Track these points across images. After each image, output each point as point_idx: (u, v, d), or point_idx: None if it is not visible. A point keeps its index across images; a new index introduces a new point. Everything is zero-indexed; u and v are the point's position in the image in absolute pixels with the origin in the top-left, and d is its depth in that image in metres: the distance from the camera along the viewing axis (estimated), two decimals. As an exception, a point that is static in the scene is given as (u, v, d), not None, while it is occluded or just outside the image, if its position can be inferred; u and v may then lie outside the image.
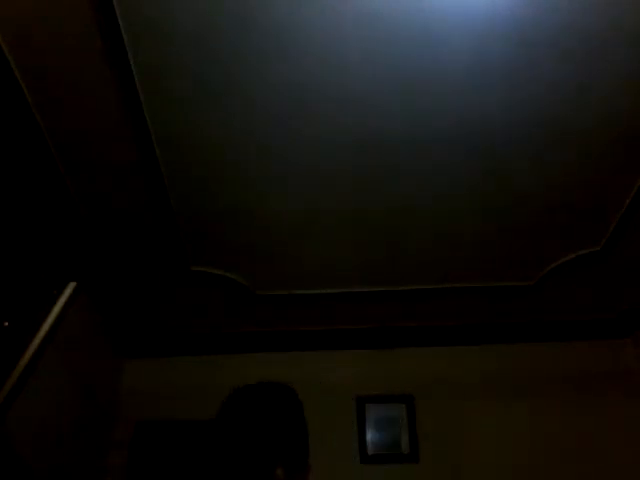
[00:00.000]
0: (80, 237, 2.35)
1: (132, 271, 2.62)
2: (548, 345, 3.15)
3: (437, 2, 1.56)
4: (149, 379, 3.13)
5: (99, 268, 2.57)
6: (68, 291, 2.51)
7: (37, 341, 2.28)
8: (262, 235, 2.41)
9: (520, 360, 3.13)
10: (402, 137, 1.96)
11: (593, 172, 2.14)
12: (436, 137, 1.97)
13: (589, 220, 2.40)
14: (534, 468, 2.79)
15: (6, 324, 2.17)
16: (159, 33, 1.60)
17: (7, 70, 1.64)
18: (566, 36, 1.64)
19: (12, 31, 1.57)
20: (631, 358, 3.12)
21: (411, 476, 2.86)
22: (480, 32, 1.63)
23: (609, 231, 2.44)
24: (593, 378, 3.05)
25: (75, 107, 1.81)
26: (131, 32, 1.58)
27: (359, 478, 2.87)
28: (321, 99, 1.82)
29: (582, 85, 1.79)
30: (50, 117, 1.83)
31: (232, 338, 3.14)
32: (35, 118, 1.81)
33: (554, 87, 1.80)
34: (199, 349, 3.18)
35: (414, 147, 2.00)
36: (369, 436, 2.98)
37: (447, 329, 3.14)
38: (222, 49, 1.65)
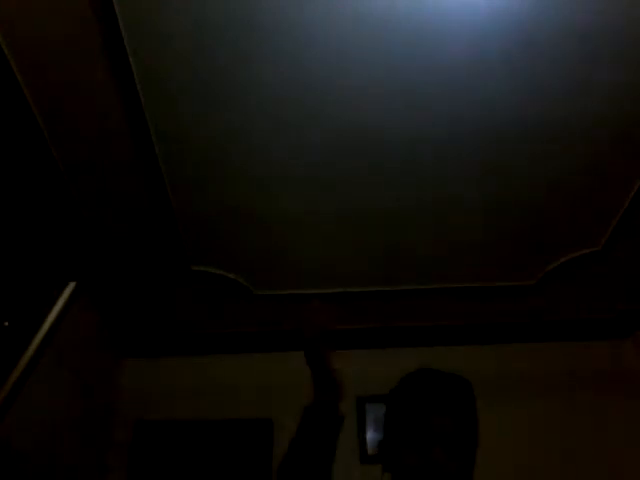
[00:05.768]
0: (80, 237, 2.35)
1: (132, 271, 2.61)
2: (548, 345, 3.15)
3: (437, 2, 1.56)
4: (149, 379, 3.13)
5: (99, 268, 2.57)
6: (68, 291, 2.50)
7: (37, 341, 2.28)
8: (262, 235, 2.41)
9: (520, 360, 3.12)
10: (402, 137, 1.96)
11: (593, 172, 2.14)
12: (436, 137, 1.97)
13: (589, 220, 2.40)
14: (534, 468, 2.79)
15: (6, 324, 2.17)
16: (159, 33, 1.60)
17: (7, 70, 1.64)
18: (566, 36, 1.64)
19: (12, 31, 1.57)
20: (631, 358, 3.12)
21: (411, 476, 2.85)
22: (480, 32, 1.63)
23: (609, 231, 2.44)
24: (593, 378, 3.05)
25: (75, 107, 1.81)
26: (131, 32, 1.59)
27: (359, 478, 2.87)
28: (321, 99, 1.82)
29: (582, 85, 1.79)
30: (50, 117, 1.83)
31: (232, 338, 3.14)
32: (35, 118, 1.81)
33: (554, 87, 1.80)
34: (199, 349, 3.18)
35: (414, 147, 2.00)
36: (369, 436, 2.97)
37: (447, 329, 3.13)
38: (222, 49, 1.65)
